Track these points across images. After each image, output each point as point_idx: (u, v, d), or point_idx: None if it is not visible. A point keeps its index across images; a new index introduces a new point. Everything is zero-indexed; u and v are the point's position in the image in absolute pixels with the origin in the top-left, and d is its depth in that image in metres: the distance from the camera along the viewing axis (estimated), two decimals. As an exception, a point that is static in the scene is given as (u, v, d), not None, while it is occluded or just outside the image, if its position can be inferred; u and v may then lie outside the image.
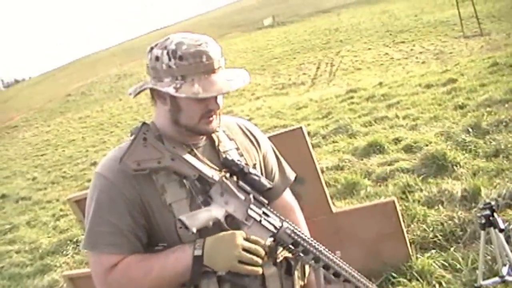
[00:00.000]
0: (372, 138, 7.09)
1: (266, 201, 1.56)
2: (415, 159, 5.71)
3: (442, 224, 3.95)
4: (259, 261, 1.45)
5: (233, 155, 1.61)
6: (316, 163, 3.24)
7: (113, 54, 72.33)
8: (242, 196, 1.51)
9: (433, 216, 4.11)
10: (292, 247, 1.53)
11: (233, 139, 1.68)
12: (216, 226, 1.47)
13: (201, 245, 1.43)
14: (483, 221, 2.31)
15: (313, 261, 1.54)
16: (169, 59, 1.44)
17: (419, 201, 4.52)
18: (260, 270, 1.47)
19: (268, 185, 1.56)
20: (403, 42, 24.70)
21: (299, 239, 1.52)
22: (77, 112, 30.99)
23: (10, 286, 5.87)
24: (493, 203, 3.88)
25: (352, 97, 12.25)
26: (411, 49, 22.01)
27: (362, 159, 6.44)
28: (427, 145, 5.94)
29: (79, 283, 4.09)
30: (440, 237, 3.82)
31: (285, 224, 1.53)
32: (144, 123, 1.52)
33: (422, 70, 14.66)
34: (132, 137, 1.52)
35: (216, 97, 1.51)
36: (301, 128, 3.21)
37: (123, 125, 20.82)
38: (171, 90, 1.43)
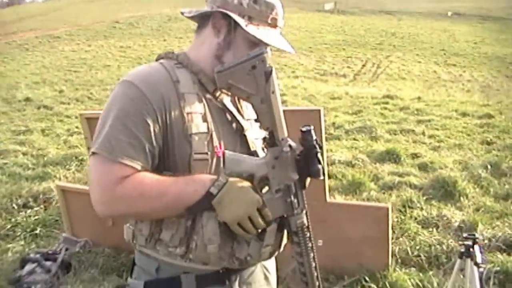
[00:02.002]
0: (392, 146, 7.07)
1: (306, 186, 1.51)
2: (426, 178, 5.67)
3: (430, 246, 3.94)
4: (254, 233, 1.44)
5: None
6: (324, 149, 3.25)
7: (171, -5, 72.14)
8: (292, 175, 1.46)
9: (424, 236, 4.10)
10: (291, 234, 1.52)
11: None
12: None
13: (220, 185, 1.39)
14: (463, 250, 2.30)
15: (296, 254, 1.52)
16: None
17: (416, 219, 4.50)
18: (249, 237, 1.47)
19: (322, 177, 1.47)
20: (454, 65, 24.34)
21: (300, 235, 1.50)
22: (120, 40, 31.18)
23: (8, 182, 6.00)
24: (486, 241, 3.92)
25: (387, 103, 12.13)
26: (460, 75, 21.70)
27: (375, 163, 6.41)
28: (441, 168, 5.91)
29: (69, 197, 4.20)
30: (423, 258, 3.81)
31: (302, 215, 1.50)
32: (262, 51, 1.42)
33: (464, 97, 14.43)
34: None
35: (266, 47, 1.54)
36: (319, 110, 3.20)
37: (160, 66, 20.87)
38: (242, 23, 1.47)
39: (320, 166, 1.45)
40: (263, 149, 1.53)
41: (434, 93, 15.93)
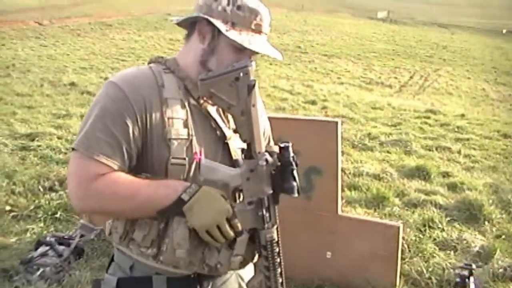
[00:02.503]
0: (424, 162, 6.92)
1: (278, 202, 1.51)
2: (453, 198, 5.53)
3: (443, 269, 3.84)
4: (223, 241, 1.45)
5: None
6: (339, 161, 3.20)
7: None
8: (266, 189, 1.46)
9: (439, 258, 4.00)
10: (260, 248, 1.51)
11: None
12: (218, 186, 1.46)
13: (192, 192, 1.42)
14: (458, 279, 2.23)
15: (263, 268, 1.52)
16: (228, 4, 1.51)
17: (434, 239, 4.40)
18: (218, 245, 1.47)
19: (297, 195, 1.45)
20: (504, 84, 23.65)
21: (269, 249, 1.49)
22: (169, 33, 31.49)
23: (38, 164, 6.17)
24: (501, 270, 3.79)
25: (428, 117, 11.89)
26: (509, 94, 21.08)
27: (403, 178, 6.29)
28: (470, 190, 5.74)
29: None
30: (435, 281, 3.72)
31: (273, 230, 1.50)
32: (246, 64, 1.45)
33: (509, 118, 14.01)
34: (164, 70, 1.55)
35: (251, 56, 1.55)
36: (336, 123, 3.17)
37: (205, 62, 21.05)
38: (222, 28, 1.49)
39: (294, 183, 1.44)
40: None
41: (479, 112, 15.54)
